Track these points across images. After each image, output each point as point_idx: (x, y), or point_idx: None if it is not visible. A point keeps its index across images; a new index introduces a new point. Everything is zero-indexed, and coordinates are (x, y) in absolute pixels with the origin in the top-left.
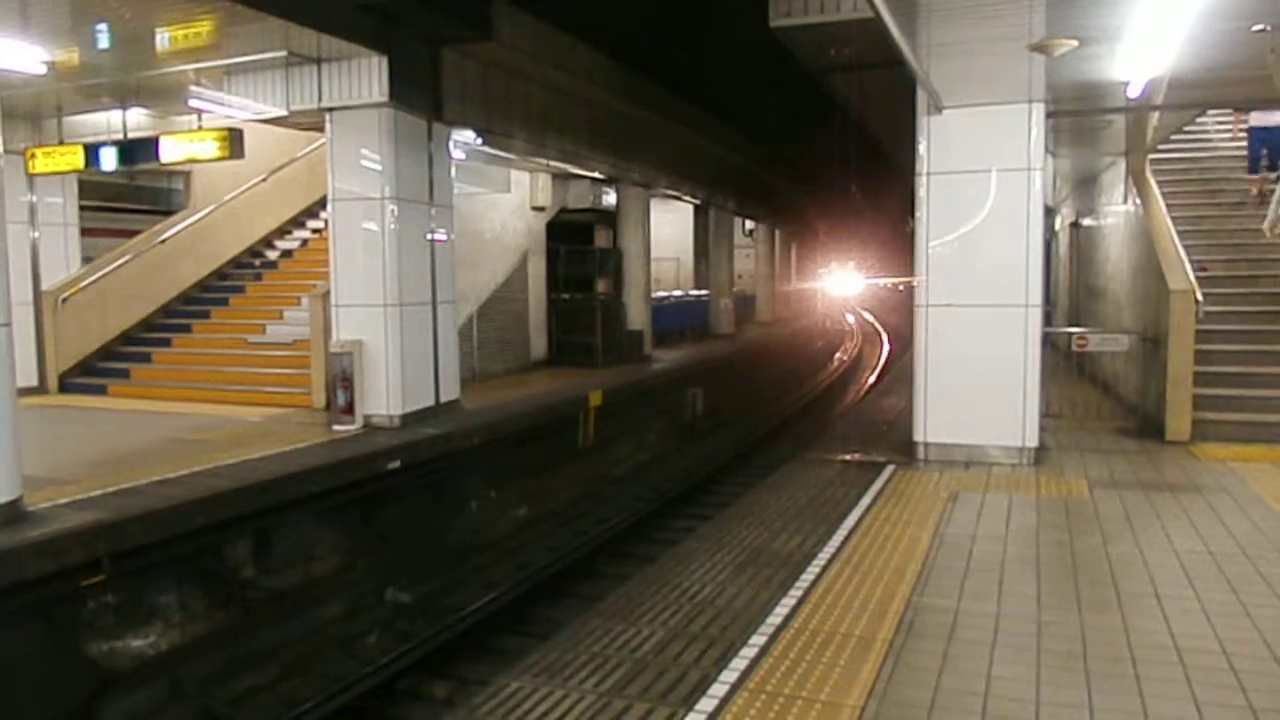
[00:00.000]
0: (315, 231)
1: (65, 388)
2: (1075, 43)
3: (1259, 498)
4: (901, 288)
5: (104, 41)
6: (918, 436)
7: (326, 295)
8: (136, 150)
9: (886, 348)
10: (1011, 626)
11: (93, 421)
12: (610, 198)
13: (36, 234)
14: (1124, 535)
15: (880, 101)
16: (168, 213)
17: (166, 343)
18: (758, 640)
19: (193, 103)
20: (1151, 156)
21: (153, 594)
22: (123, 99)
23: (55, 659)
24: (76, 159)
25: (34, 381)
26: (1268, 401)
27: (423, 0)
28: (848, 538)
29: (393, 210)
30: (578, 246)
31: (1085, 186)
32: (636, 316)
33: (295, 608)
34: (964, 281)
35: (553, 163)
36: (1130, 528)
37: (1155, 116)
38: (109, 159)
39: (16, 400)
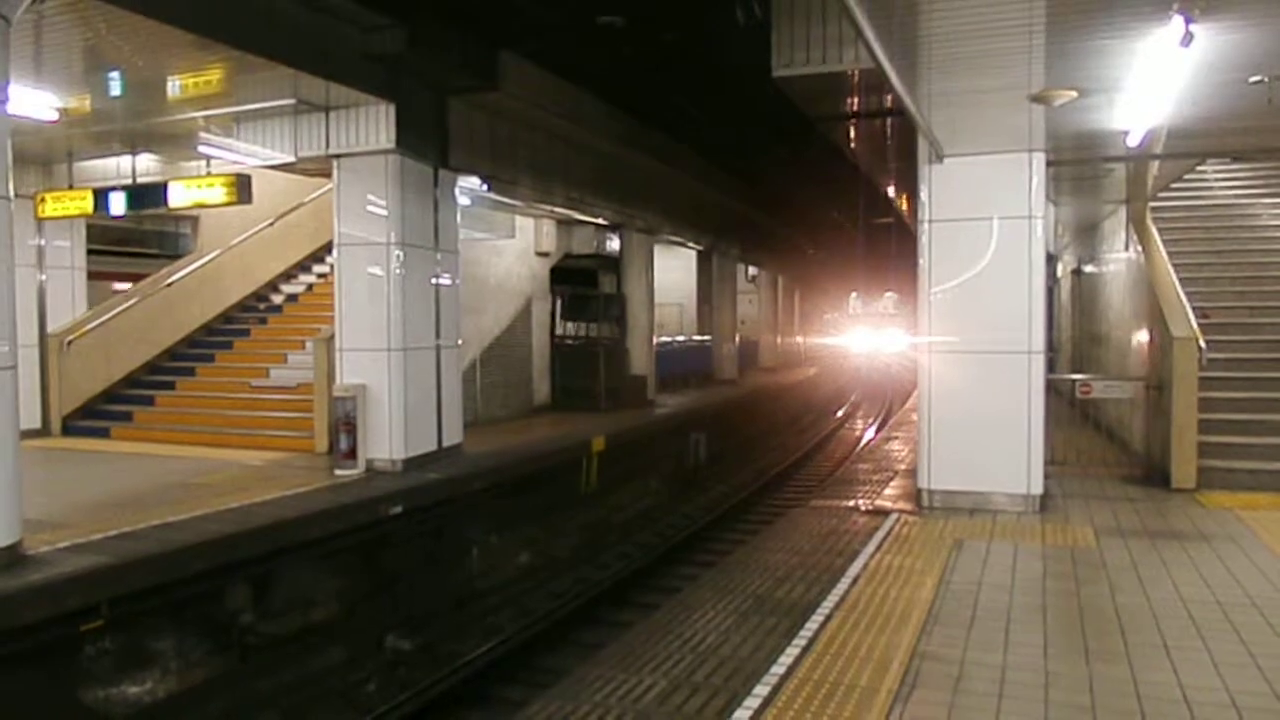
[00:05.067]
0: (320, 276)
1: (68, 430)
2: (1075, 93)
3: (1266, 546)
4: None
5: (116, 89)
6: (922, 483)
7: (331, 339)
8: (145, 195)
9: (888, 394)
10: (1018, 678)
11: (94, 465)
12: (614, 243)
13: (44, 277)
14: (1131, 584)
15: (881, 149)
16: (175, 257)
17: (170, 386)
18: (761, 691)
19: (202, 149)
20: (1152, 204)
21: (151, 640)
22: (132, 145)
23: (51, 705)
24: (86, 204)
25: (37, 424)
26: (1273, 449)
27: (430, 51)
28: (851, 586)
29: (398, 255)
30: (582, 291)
31: (1087, 234)
32: (640, 362)
33: (295, 654)
34: (966, 328)
35: (557, 209)
36: (1137, 577)
37: (1155, 165)
38: (118, 204)
39: (19, 443)
